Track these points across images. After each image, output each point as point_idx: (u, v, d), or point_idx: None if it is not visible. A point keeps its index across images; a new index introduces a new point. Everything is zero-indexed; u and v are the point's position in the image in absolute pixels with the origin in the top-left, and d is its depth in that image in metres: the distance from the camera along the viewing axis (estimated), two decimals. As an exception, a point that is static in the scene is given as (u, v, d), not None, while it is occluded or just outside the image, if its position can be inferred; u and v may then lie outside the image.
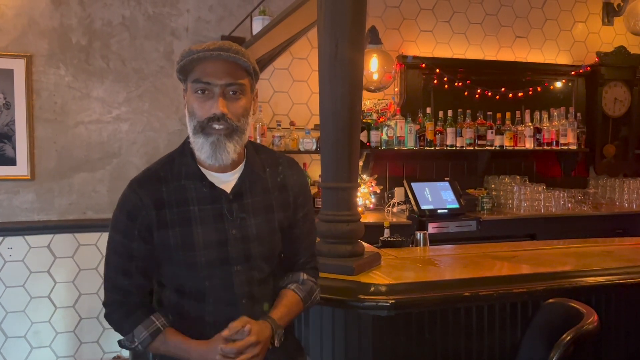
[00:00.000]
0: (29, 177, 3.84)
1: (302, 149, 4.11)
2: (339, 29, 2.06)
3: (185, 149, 1.41)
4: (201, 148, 1.33)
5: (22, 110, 3.81)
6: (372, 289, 1.90)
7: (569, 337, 1.52)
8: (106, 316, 1.45)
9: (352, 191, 2.23)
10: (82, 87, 3.98)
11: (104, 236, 3.99)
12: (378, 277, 2.03)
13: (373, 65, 4.10)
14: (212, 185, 1.38)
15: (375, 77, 4.16)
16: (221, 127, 1.32)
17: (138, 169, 4.09)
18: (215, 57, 1.31)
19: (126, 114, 4.09)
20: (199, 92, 1.34)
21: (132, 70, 4.09)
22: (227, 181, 1.40)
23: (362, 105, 4.43)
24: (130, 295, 1.41)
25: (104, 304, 1.45)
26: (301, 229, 1.53)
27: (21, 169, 3.82)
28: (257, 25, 3.41)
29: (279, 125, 4.18)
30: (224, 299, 1.39)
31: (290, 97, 4.39)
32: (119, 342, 1.46)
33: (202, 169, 1.40)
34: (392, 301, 1.84)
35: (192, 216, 1.36)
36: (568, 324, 1.64)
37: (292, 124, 4.21)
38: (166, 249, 1.37)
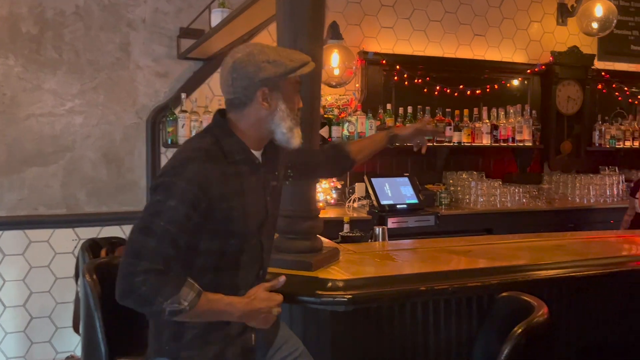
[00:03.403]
0: (-25, 172, 3.69)
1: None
2: (298, 23, 2.04)
3: (224, 130, 1.56)
4: (295, 134, 1.58)
5: (-32, 101, 3.64)
6: (330, 284, 1.90)
7: (520, 330, 1.56)
8: (137, 284, 1.36)
9: (310, 187, 2.23)
10: (33, 79, 3.83)
11: (57, 232, 3.91)
12: (336, 273, 2.03)
13: (334, 61, 4.10)
14: (256, 159, 1.59)
15: (336, 72, 4.16)
16: None
17: (93, 163, 3.99)
18: (309, 67, 1.60)
19: (80, 107, 3.96)
20: (297, 90, 1.60)
21: (86, 61, 3.97)
22: (258, 157, 1.61)
23: (324, 100, 4.43)
24: (171, 265, 1.42)
25: (134, 272, 1.36)
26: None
27: (-33, 163, 3.66)
28: (216, 18, 3.36)
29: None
30: (253, 267, 1.59)
31: (251, 91, 4.34)
32: (151, 313, 1.44)
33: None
34: (350, 296, 1.85)
35: (245, 188, 1.53)
36: (520, 317, 1.68)
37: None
38: (224, 221, 1.49)
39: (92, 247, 3.06)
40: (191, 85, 4.12)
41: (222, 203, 1.47)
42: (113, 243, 3.17)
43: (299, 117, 1.60)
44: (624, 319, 2.26)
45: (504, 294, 1.92)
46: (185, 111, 3.93)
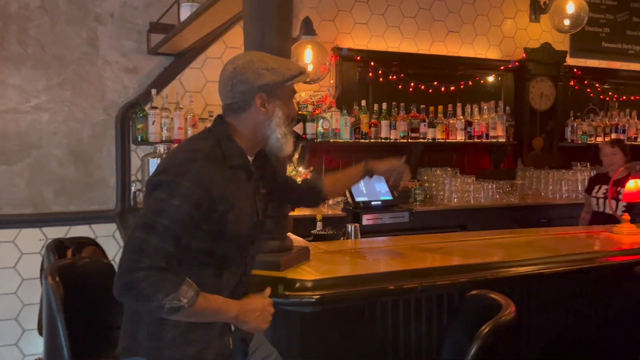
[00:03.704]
0: (-64, 171, 3.56)
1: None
2: (265, 17, 2.00)
3: (226, 134, 1.59)
4: (288, 141, 1.64)
5: None
6: (298, 284, 1.87)
7: (486, 330, 1.55)
8: (138, 280, 1.39)
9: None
10: (-5, 74, 3.71)
11: (24, 232, 3.81)
12: (305, 272, 2.00)
13: (307, 57, 4.05)
14: (251, 166, 1.63)
15: (310, 68, 4.11)
16: None
17: (60, 161, 3.88)
18: (305, 77, 1.66)
19: (46, 103, 3.86)
20: (292, 99, 1.67)
21: (52, 56, 3.86)
22: (250, 163, 1.64)
23: (298, 96, 4.39)
24: (172, 263, 1.45)
25: (136, 268, 1.39)
26: None
27: None
28: (185, 12, 3.29)
29: (211, 116, 4.07)
30: (237, 271, 1.61)
31: (223, 87, 4.27)
32: (149, 309, 1.43)
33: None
34: (318, 297, 1.82)
35: (241, 193, 1.57)
36: (488, 316, 1.67)
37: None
38: (219, 223, 1.51)
39: (58, 247, 2.98)
40: (162, 81, 4.04)
41: (220, 205, 1.50)
42: (80, 243, 3.09)
43: (293, 125, 1.67)
44: (592, 315, 2.27)
45: (472, 292, 1.91)
46: (155, 108, 3.85)
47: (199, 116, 4.02)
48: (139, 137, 3.85)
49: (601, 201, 4.06)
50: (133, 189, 3.94)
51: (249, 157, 1.63)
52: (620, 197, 3.71)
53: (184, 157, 1.53)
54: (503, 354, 1.65)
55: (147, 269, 1.39)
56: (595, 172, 4.53)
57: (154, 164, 3.46)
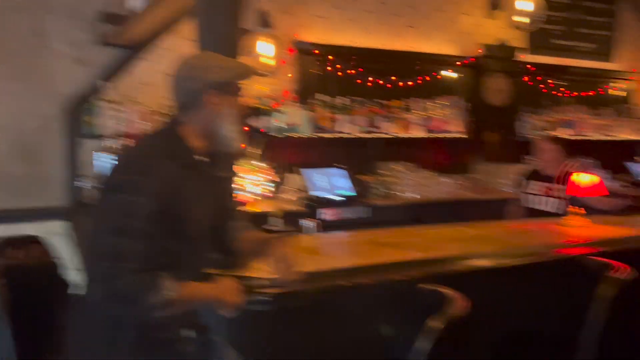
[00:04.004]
0: None
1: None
2: (216, 9, 1.96)
3: (176, 133, 1.59)
4: (237, 137, 1.65)
5: None
6: (254, 283, 1.83)
7: (436, 324, 1.55)
8: (122, 286, 1.41)
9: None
10: None
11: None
12: (260, 270, 1.96)
13: (265, 49, 4.00)
14: (203, 166, 1.63)
15: (268, 61, 4.06)
16: None
17: (5, 156, 3.71)
18: (251, 75, 1.70)
19: (-9, 96, 3.67)
20: (238, 96, 1.67)
21: (-3, 46, 3.68)
22: (203, 161, 1.64)
23: (257, 90, 4.32)
24: (147, 261, 1.44)
25: (116, 275, 1.40)
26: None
27: None
28: (137, 2, 3.18)
29: (166, 110, 3.95)
30: (191, 272, 1.57)
31: (179, 80, 4.16)
32: (139, 310, 1.44)
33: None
34: (273, 295, 1.79)
35: (197, 192, 1.57)
36: (439, 310, 1.68)
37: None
38: (175, 219, 1.51)
39: (2, 246, 2.85)
40: (113, 73, 3.90)
41: (178, 201, 1.52)
42: (26, 242, 2.96)
43: (241, 123, 1.68)
44: (542, 307, 2.32)
45: (423, 286, 1.92)
46: (107, 101, 3.73)
47: (153, 109, 3.91)
48: (90, 132, 3.71)
49: (536, 198, 3.90)
50: (84, 184, 3.81)
51: (203, 156, 1.63)
52: (560, 194, 3.65)
53: (141, 155, 1.55)
54: (453, 347, 1.66)
55: (128, 274, 1.40)
56: (529, 168, 4.24)
57: (105, 158, 3.34)
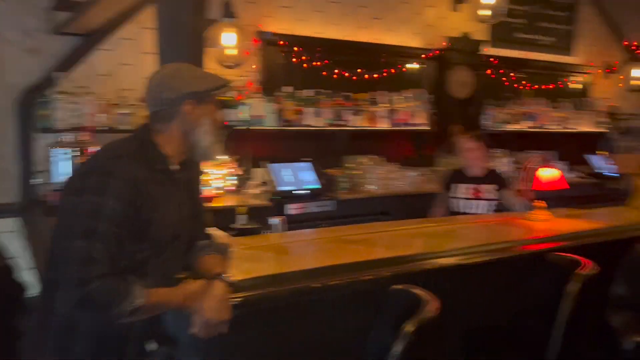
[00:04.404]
0: None
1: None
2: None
3: (149, 139, 1.59)
4: (216, 148, 1.67)
5: None
6: (218, 286, 1.76)
7: (410, 327, 1.53)
8: (93, 292, 1.37)
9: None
10: None
11: None
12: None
13: (228, 40, 3.88)
14: (174, 173, 1.63)
15: (231, 52, 3.95)
16: None
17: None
18: (229, 88, 1.73)
19: None
20: (218, 108, 1.69)
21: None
22: (175, 169, 1.65)
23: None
24: (117, 265, 1.42)
25: (87, 280, 1.36)
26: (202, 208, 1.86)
27: None
28: (93, -11, 3.03)
29: (126, 102, 3.81)
30: (160, 280, 1.55)
31: (138, 70, 4.00)
32: (110, 316, 1.40)
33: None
34: (240, 299, 1.73)
35: (164, 198, 1.56)
36: (412, 311, 1.66)
37: (140, 99, 3.87)
38: (144, 224, 1.49)
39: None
40: (69, 63, 3.73)
41: (147, 204, 1.50)
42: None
43: (221, 133, 1.69)
44: (509, 302, 2.34)
45: (395, 286, 1.90)
46: (62, 92, 3.56)
47: (111, 102, 3.75)
48: (44, 124, 3.54)
49: (462, 202, 3.61)
50: (37, 181, 3.63)
51: (174, 164, 1.63)
52: (484, 196, 3.54)
53: (107, 156, 1.52)
54: (427, 348, 1.65)
55: (98, 278, 1.37)
56: (451, 169, 3.99)
57: (60, 153, 3.19)
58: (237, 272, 1.90)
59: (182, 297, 1.57)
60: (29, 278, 2.78)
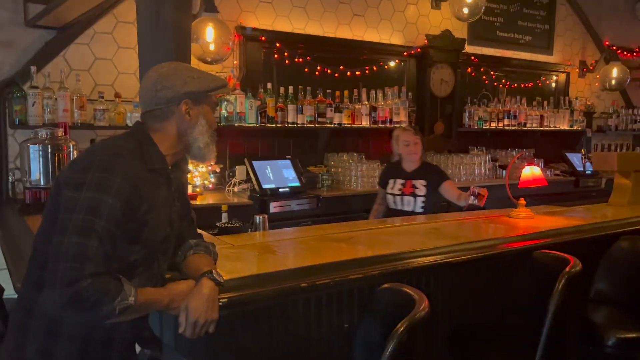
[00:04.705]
0: None
1: (130, 125, 3.69)
2: (161, -9, 1.80)
3: (147, 138, 1.57)
4: (211, 150, 1.65)
5: None
6: (202, 287, 1.71)
7: (402, 328, 1.51)
8: (85, 290, 1.31)
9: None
10: None
11: None
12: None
13: (209, 35, 3.81)
14: (170, 174, 1.62)
15: (212, 47, 3.88)
16: None
17: None
18: (227, 90, 1.74)
19: None
20: (214, 110, 1.69)
21: None
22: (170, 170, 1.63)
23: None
24: (110, 264, 1.38)
25: (79, 277, 1.30)
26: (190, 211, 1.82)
27: None
28: (69, -20, 2.93)
29: (102, 97, 3.71)
30: (147, 282, 1.53)
31: (115, 65, 3.91)
32: (99, 316, 1.36)
33: None
34: (225, 300, 1.67)
35: (159, 198, 1.53)
36: (401, 310, 1.64)
37: (117, 95, 3.78)
38: (139, 224, 1.46)
39: None
40: (43, 57, 3.62)
41: (144, 205, 1.47)
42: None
43: (215, 135, 1.67)
44: (493, 299, 2.34)
45: (385, 285, 1.87)
46: (36, 87, 3.44)
47: (87, 97, 3.65)
48: (17, 120, 3.42)
49: (398, 198, 3.56)
50: (11, 178, 3.51)
51: (171, 164, 1.63)
52: (418, 192, 3.47)
53: (108, 153, 1.47)
54: (417, 348, 1.63)
55: (91, 277, 1.32)
56: (387, 164, 3.96)
57: (34, 150, 3.08)
58: (221, 272, 1.85)
59: (170, 297, 1.54)
60: (1, 278, 2.68)
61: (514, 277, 2.35)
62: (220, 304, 1.66)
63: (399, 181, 3.58)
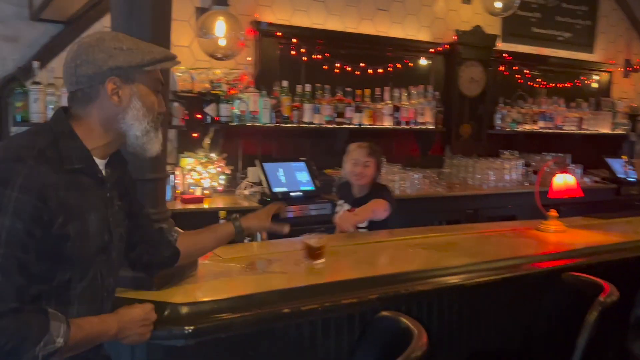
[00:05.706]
0: None
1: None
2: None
3: (67, 130, 1.30)
4: (152, 139, 1.38)
5: None
6: (167, 312, 1.50)
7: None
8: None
9: (159, 183, 1.82)
10: None
11: None
12: (184, 292, 1.64)
13: (219, 30, 3.62)
14: (99, 171, 1.35)
15: (223, 42, 3.69)
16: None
17: None
18: (172, 64, 1.41)
19: None
20: (157, 90, 1.40)
21: None
22: (102, 169, 1.37)
23: (211, 74, 3.95)
24: (24, 297, 1.16)
25: None
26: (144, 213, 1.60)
27: None
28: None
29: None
30: (91, 306, 1.32)
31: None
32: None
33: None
34: (192, 328, 1.46)
35: (85, 203, 1.29)
36: (399, 343, 1.40)
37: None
38: (58, 240, 1.22)
39: None
40: (47, 52, 3.50)
41: (58, 217, 1.21)
42: None
43: (159, 120, 1.40)
44: (517, 324, 2.06)
45: (382, 313, 1.62)
46: (38, 83, 3.31)
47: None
48: (19, 117, 3.30)
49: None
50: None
51: (99, 159, 1.34)
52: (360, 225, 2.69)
53: (7, 158, 1.20)
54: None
55: (4, 316, 1.11)
56: (342, 181, 3.23)
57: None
58: (196, 293, 1.64)
59: (120, 325, 1.33)
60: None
61: (540, 302, 2.06)
62: (184, 332, 1.44)
63: (346, 206, 2.91)
